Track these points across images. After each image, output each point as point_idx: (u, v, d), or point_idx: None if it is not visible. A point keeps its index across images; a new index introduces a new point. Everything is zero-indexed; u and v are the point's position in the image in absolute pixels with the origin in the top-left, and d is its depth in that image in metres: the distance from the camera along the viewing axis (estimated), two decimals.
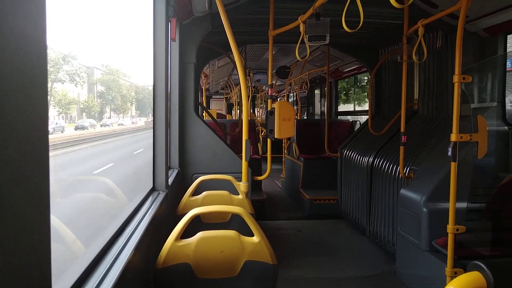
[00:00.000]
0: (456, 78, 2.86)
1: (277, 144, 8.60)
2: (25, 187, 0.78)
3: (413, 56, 3.72)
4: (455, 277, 2.90)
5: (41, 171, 0.85)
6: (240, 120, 6.15)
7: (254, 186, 6.24)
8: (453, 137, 2.86)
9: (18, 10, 0.74)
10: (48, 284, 0.91)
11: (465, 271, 2.85)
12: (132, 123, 9.05)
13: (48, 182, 0.88)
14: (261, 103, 15.91)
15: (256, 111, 16.78)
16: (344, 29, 2.83)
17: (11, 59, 0.72)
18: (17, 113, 0.74)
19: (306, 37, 3.45)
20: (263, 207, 6.25)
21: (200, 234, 2.01)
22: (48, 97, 0.90)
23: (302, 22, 3.42)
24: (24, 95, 0.77)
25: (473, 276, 1.31)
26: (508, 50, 3.92)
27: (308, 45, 3.56)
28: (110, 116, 8.05)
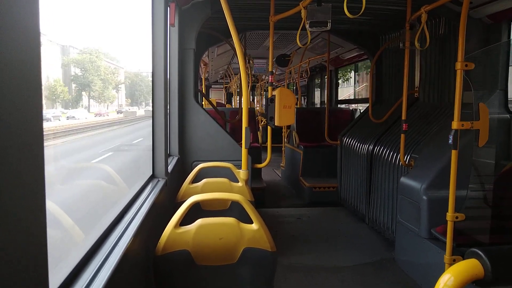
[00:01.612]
0: (458, 65, 2.83)
1: (277, 134, 8.58)
2: (20, 182, 0.77)
3: (416, 43, 3.67)
4: (454, 264, 2.91)
5: (36, 166, 0.84)
6: (240, 108, 6.12)
7: (254, 175, 6.24)
8: (454, 125, 2.84)
9: (12, 14, 0.72)
10: (45, 275, 0.90)
11: (463, 258, 2.88)
12: (100, 115, 6.60)
13: (43, 177, 0.87)
14: (262, 92, 15.83)
15: (255, 101, 16.71)
16: (345, 15, 2.78)
17: (4, 53, 0.70)
18: (11, 108, 0.73)
19: (307, 23, 3.40)
20: (262, 195, 6.26)
21: (199, 221, 2.00)
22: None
23: (304, 7, 3.37)
24: (17, 90, 0.75)
25: (470, 263, 1.31)
26: None
27: (309, 32, 3.51)
28: (89, 105, 6.28)
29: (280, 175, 8.87)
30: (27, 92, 0.80)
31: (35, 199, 0.84)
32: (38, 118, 0.84)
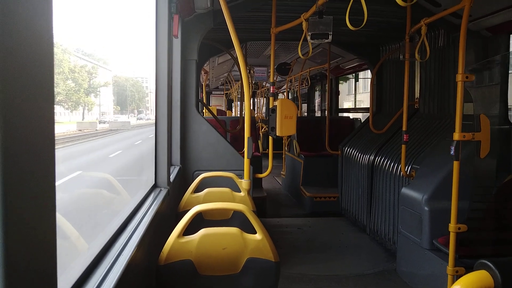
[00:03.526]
0: (459, 77, 2.86)
1: (277, 141, 8.60)
2: (31, 185, 0.78)
3: (416, 55, 3.71)
4: (457, 275, 2.91)
5: (47, 170, 0.85)
6: (241, 117, 6.15)
7: (255, 183, 6.23)
8: (456, 136, 2.86)
9: (24, 7, 0.73)
10: (54, 281, 0.91)
11: (466, 269, 2.87)
12: None
13: (54, 181, 0.88)
14: (261, 97, 15.87)
15: (256, 108, 16.79)
16: (346, 27, 2.82)
17: (17, 57, 0.71)
18: (23, 111, 0.74)
19: (308, 35, 3.44)
20: (263, 204, 6.25)
21: (202, 231, 2.01)
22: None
23: (305, 19, 3.41)
24: (30, 93, 0.77)
25: (480, 275, 1.31)
26: (511, 49, 3.91)
27: (310, 43, 3.55)
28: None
29: (280, 183, 8.86)
30: (39, 95, 0.81)
31: (46, 205, 0.85)
32: (50, 122, 0.86)
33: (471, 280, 1.31)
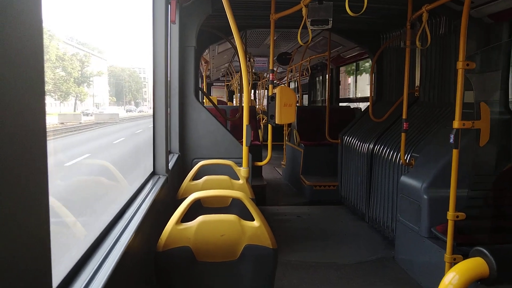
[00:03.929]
0: (460, 65, 2.83)
1: (278, 132, 8.58)
2: (23, 182, 0.77)
3: (417, 42, 3.67)
4: (454, 263, 2.92)
5: (39, 165, 0.84)
6: (240, 106, 6.12)
7: (255, 172, 6.25)
8: (456, 124, 2.84)
9: (14, 9, 0.72)
10: (48, 280, 0.91)
11: (464, 257, 2.88)
12: None
13: (46, 176, 0.87)
14: (264, 88, 15.81)
15: (257, 99, 16.72)
16: (346, 14, 2.78)
17: (7, 57, 0.70)
18: (14, 107, 0.73)
19: (308, 22, 3.40)
20: (263, 192, 6.27)
21: (200, 218, 2.01)
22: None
23: (305, 5, 3.37)
24: (20, 92, 0.75)
25: (475, 262, 1.31)
26: None
27: (310, 30, 3.51)
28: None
29: (281, 173, 8.88)
30: (29, 90, 0.79)
31: (39, 195, 0.84)
32: (41, 117, 0.84)
33: (467, 267, 1.31)
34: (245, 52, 5.49)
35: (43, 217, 0.86)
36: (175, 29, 3.78)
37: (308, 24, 3.40)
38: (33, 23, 0.81)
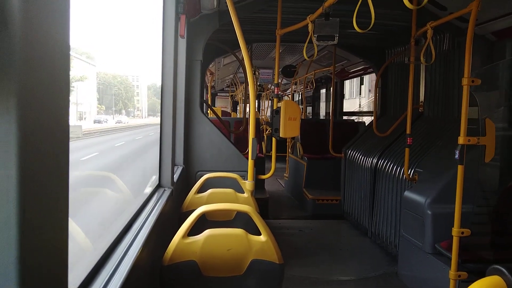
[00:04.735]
0: (465, 81, 2.85)
1: (281, 143, 8.59)
2: (45, 187, 0.79)
3: (421, 58, 3.71)
4: (459, 280, 2.90)
5: (61, 171, 0.86)
6: (244, 118, 6.16)
7: (257, 185, 6.21)
8: (461, 140, 2.85)
9: (43, 12, 0.75)
10: (64, 282, 0.92)
11: (469, 274, 2.86)
12: None
13: (67, 183, 0.89)
14: (266, 100, 15.87)
15: (260, 110, 16.77)
16: (352, 29, 2.82)
17: (36, 60, 0.73)
18: (41, 113, 0.75)
19: (314, 37, 3.45)
20: (265, 206, 6.25)
21: (208, 232, 2.01)
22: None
23: (311, 21, 3.42)
24: (48, 96, 0.78)
25: (493, 280, 1.30)
26: None
27: (316, 45, 3.56)
28: None
29: (283, 185, 8.86)
30: (56, 99, 0.82)
31: (59, 204, 0.86)
32: (65, 124, 0.86)
33: (485, 286, 1.30)
34: (251, 65, 5.54)
35: (63, 225, 0.88)
36: (182, 43, 3.84)
37: (314, 39, 3.45)
38: (60, 35, 0.84)
